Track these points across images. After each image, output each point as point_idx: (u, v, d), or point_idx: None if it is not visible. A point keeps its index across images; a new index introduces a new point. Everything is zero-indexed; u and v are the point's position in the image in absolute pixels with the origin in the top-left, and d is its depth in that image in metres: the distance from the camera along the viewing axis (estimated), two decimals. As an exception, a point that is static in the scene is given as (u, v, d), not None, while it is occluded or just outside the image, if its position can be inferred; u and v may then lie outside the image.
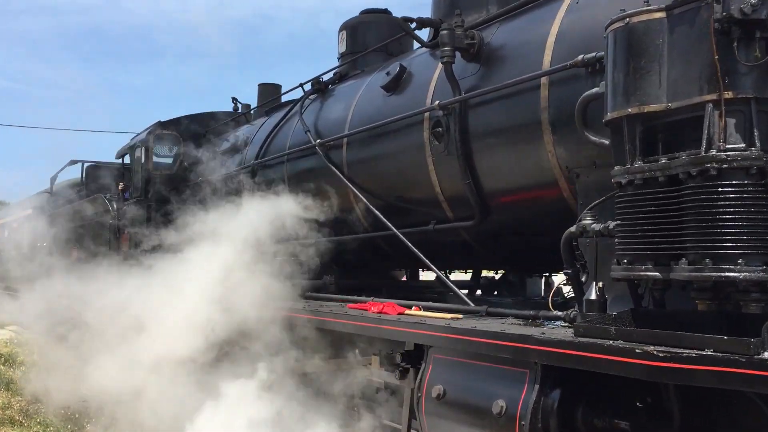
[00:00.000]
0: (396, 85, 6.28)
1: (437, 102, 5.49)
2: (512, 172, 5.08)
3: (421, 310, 5.09)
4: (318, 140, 7.02)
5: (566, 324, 3.91)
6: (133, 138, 11.74)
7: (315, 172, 7.28)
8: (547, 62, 4.63)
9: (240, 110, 11.63)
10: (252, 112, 11.20)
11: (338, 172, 6.73)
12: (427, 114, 5.69)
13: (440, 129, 5.53)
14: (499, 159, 5.14)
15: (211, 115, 11.40)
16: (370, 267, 7.73)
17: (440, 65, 5.50)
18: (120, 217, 11.97)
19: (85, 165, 14.98)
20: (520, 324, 4.26)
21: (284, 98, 9.75)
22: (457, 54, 5.31)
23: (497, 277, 7.32)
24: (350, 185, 6.59)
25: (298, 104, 8.00)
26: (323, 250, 6.81)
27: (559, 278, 5.52)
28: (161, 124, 11.02)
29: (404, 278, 8.97)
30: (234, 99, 11.76)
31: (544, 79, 4.60)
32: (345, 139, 6.77)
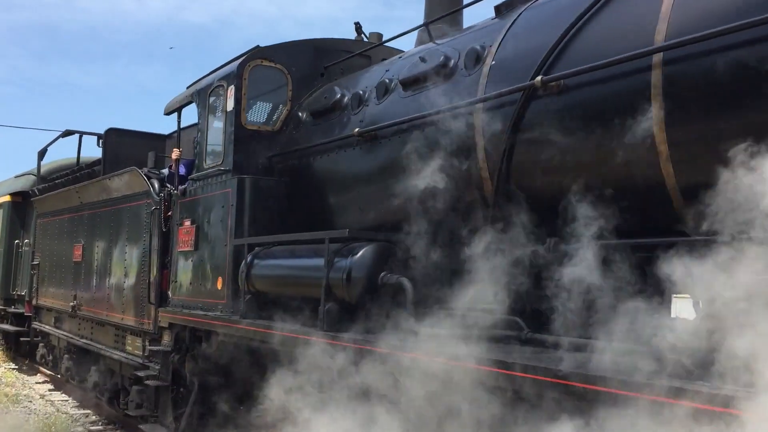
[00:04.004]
0: None
1: None
2: None
3: None
4: None
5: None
6: (207, 76, 7.57)
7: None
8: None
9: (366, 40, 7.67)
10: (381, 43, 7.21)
11: None
12: None
13: None
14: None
15: (324, 44, 7.32)
16: None
17: None
18: (168, 199, 7.81)
19: (106, 130, 10.65)
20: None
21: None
22: None
23: None
24: None
25: None
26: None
27: None
28: (261, 51, 6.90)
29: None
30: (357, 25, 7.75)
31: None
32: None
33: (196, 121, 7.84)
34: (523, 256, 4.17)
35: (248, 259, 5.94)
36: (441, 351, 3.68)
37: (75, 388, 11.74)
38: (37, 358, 13.74)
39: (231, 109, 6.74)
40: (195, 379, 7.21)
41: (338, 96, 6.12)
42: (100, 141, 13.63)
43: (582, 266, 3.68)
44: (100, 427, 10.06)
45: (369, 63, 7.15)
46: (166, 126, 49.54)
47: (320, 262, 5.01)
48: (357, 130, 5.54)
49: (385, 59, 6.74)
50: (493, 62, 4.55)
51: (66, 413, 10.86)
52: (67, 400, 11.95)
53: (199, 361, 7.09)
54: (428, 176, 4.89)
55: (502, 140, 4.33)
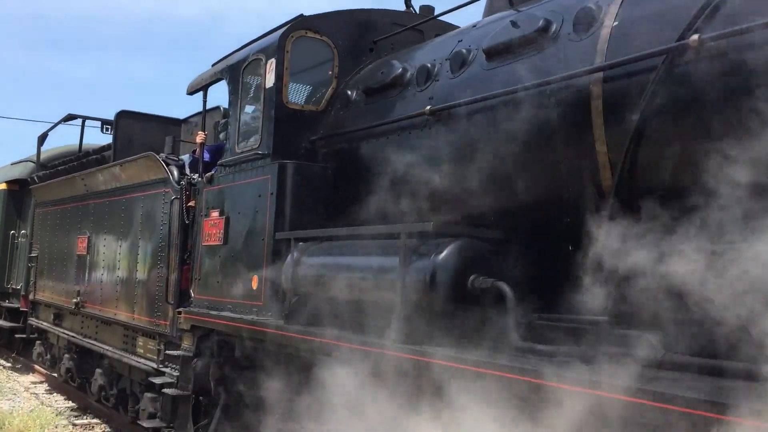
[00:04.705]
0: None
1: None
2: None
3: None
4: None
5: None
6: (239, 50, 6.76)
7: None
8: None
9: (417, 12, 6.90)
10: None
11: None
12: None
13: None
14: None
15: (371, 16, 6.53)
16: None
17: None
18: (189, 188, 7.03)
19: (118, 112, 9.78)
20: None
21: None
22: None
23: None
24: None
25: None
26: None
27: None
28: (306, 21, 6.10)
29: None
30: (407, -5, 7.00)
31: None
32: None
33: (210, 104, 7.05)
34: (652, 263, 3.41)
35: (294, 255, 5.15)
36: (594, 379, 2.90)
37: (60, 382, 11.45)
38: (34, 356, 12.88)
39: (271, 85, 5.94)
40: (221, 389, 6.42)
41: (399, 71, 5.34)
42: (104, 127, 12.86)
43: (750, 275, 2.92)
44: (85, 421, 9.81)
45: (421, 39, 6.38)
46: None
47: (391, 261, 4.23)
48: (428, 108, 4.76)
49: (439, 35, 5.97)
50: (616, 23, 3.77)
51: (50, 406, 10.52)
52: (51, 393, 11.66)
53: (227, 369, 6.29)
54: (523, 162, 4.13)
55: (630, 119, 3.55)
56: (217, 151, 7.51)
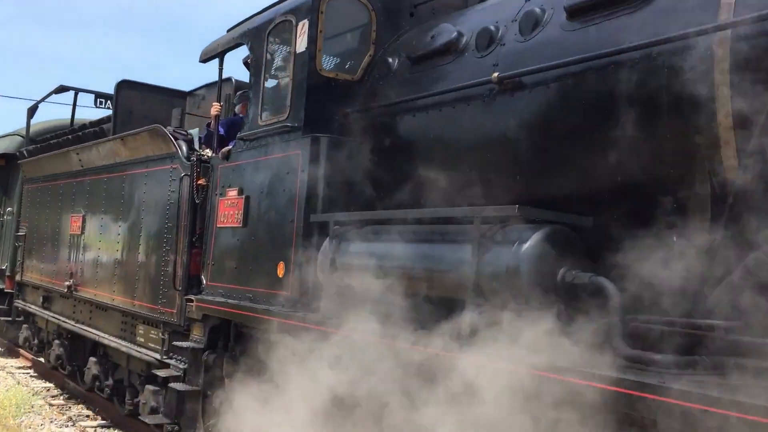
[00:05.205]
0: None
1: None
2: None
3: None
4: None
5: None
6: (261, 13, 6.10)
7: None
8: None
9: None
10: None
11: None
12: None
13: None
14: None
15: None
16: None
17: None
18: (199, 164, 6.41)
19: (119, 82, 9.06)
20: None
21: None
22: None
23: None
24: None
25: None
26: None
27: None
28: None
29: None
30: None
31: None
32: None
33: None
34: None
35: (333, 241, 4.54)
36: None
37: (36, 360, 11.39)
38: (20, 341, 12.19)
39: (303, 50, 5.29)
40: (237, 385, 5.81)
41: (453, 35, 4.72)
42: (98, 100, 12.14)
43: None
44: (62, 401, 9.70)
45: (463, 5, 5.76)
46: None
47: (460, 250, 3.63)
48: (496, 75, 4.14)
49: (483, 0, 5.36)
50: (746, -28, 3.17)
51: (27, 386, 10.36)
52: (28, 372, 11.49)
53: (243, 363, 5.69)
54: (616, 138, 3.54)
55: (765, 89, 2.97)
56: (231, 125, 6.89)
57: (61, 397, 9.91)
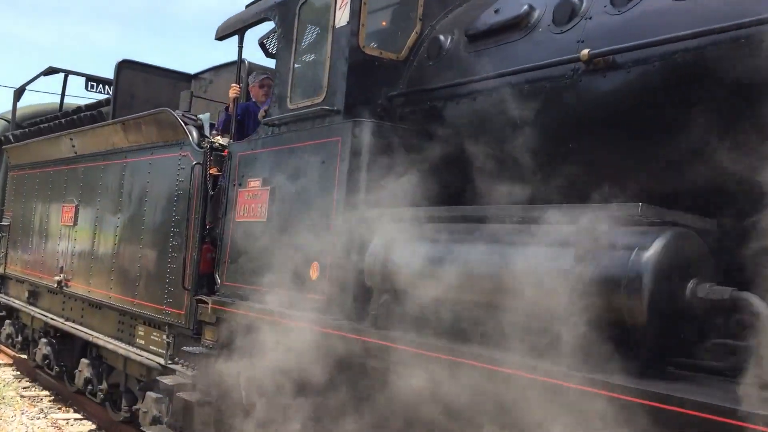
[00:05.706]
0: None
1: None
2: None
3: None
4: None
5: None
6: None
7: None
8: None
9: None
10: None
11: None
12: None
13: None
14: None
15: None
16: None
17: None
18: (211, 152, 5.79)
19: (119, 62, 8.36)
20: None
21: None
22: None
23: None
24: None
25: None
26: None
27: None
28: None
29: None
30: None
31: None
32: None
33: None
34: None
35: (384, 240, 3.95)
36: None
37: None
38: (2, 338, 11.46)
39: (343, 24, 4.69)
40: (256, 397, 5.21)
41: (523, 9, 4.14)
42: (89, 84, 11.47)
43: None
44: (34, 393, 9.54)
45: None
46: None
47: (558, 255, 3.06)
48: (586, 51, 3.57)
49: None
50: None
51: None
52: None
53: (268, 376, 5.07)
54: (744, 125, 2.99)
55: None
56: (246, 110, 6.27)
57: (33, 389, 9.70)
